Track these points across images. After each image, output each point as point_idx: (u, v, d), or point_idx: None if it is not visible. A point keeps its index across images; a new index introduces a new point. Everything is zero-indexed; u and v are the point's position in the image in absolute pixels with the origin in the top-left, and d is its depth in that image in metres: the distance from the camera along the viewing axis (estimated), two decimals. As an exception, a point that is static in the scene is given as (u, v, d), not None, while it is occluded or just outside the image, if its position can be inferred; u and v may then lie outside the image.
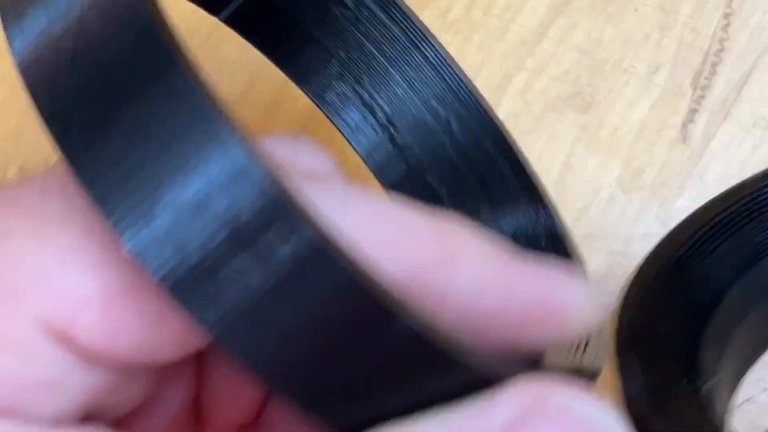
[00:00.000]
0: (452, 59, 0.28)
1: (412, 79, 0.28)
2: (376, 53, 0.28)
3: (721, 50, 0.33)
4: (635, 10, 0.34)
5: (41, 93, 0.18)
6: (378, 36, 0.28)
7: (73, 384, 0.19)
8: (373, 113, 0.28)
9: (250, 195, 0.17)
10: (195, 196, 0.17)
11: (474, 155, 0.28)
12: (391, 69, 0.28)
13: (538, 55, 0.34)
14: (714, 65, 0.33)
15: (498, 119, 0.28)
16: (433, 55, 0.28)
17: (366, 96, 0.28)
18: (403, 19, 0.28)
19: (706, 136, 0.33)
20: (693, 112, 0.33)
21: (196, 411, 0.25)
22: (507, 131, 0.28)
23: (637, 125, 0.33)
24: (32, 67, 0.18)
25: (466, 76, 0.28)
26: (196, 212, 0.17)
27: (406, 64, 0.28)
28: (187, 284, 0.17)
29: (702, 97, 0.33)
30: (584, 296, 0.20)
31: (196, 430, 0.25)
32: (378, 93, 0.28)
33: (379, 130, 0.28)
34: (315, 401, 0.18)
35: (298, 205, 0.17)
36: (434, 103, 0.28)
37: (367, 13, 0.28)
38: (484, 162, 0.28)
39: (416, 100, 0.28)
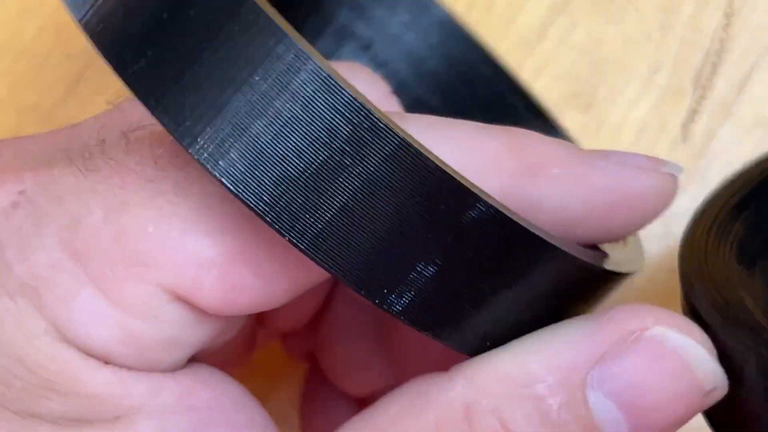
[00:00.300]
0: None
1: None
2: None
3: (722, 50, 0.33)
4: (635, 10, 0.34)
5: (115, 53, 0.19)
6: None
7: (191, 338, 0.20)
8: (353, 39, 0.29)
9: (339, 112, 0.18)
10: (287, 124, 0.18)
11: (461, 71, 0.29)
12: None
13: (538, 55, 0.34)
14: (715, 65, 0.33)
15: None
16: None
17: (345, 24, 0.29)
18: None
19: (707, 135, 0.33)
20: (694, 111, 0.33)
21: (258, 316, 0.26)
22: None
23: (638, 125, 0.33)
24: (99, 28, 0.19)
25: None
26: (288, 139, 0.18)
27: None
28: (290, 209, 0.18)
29: (703, 96, 0.33)
30: (660, 177, 0.21)
31: (252, 331, 0.27)
32: (356, 18, 0.29)
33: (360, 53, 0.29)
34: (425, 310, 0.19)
35: (379, 112, 0.18)
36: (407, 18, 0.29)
37: None
38: (478, 83, 0.30)
39: (393, 20, 0.29)
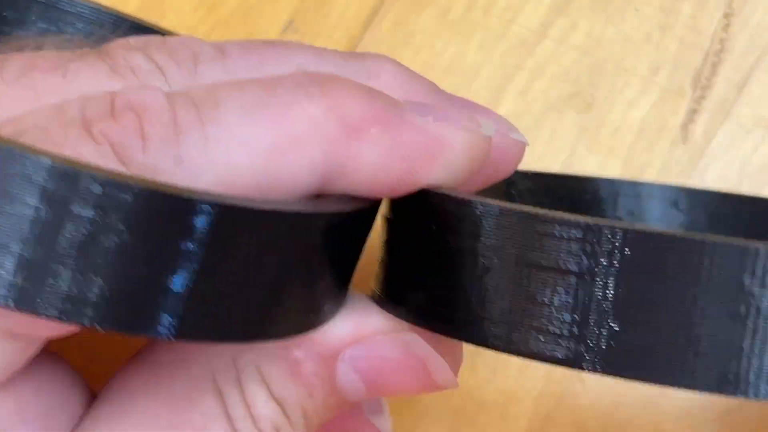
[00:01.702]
0: None
1: None
2: None
3: (722, 50, 0.33)
4: (635, 10, 0.34)
5: None
6: None
7: (17, 362, 0.20)
8: None
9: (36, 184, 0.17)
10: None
11: None
12: None
13: (538, 55, 0.34)
14: (714, 65, 0.33)
15: None
16: None
17: None
18: None
19: (706, 136, 0.33)
20: (693, 112, 0.33)
21: None
22: None
23: (638, 125, 0.33)
24: None
25: None
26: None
27: None
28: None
29: (702, 97, 0.33)
30: (471, 136, 0.22)
31: None
32: None
33: None
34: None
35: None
36: None
37: None
38: None
39: None
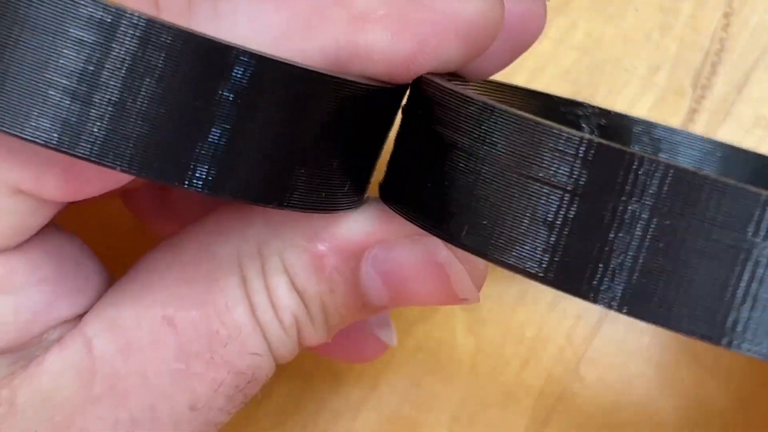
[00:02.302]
0: None
1: None
2: None
3: (722, 50, 0.33)
4: (635, 10, 0.34)
5: None
6: None
7: (35, 223, 0.21)
8: None
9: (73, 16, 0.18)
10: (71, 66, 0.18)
11: None
12: None
13: (538, 55, 0.34)
14: (714, 65, 0.33)
15: None
16: None
17: None
18: None
19: (706, 135, 0.33)
20: (693, 111, 0.33)
21: None
22: None
23: (637, 125, 0.33)
24: None
25: None
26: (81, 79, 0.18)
27: None
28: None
29: (702, 96, 0.33)
30: (483, 3, 0.22)
31: None
32: None
33: None
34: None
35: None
36: None
37: None
38: None
39: None
